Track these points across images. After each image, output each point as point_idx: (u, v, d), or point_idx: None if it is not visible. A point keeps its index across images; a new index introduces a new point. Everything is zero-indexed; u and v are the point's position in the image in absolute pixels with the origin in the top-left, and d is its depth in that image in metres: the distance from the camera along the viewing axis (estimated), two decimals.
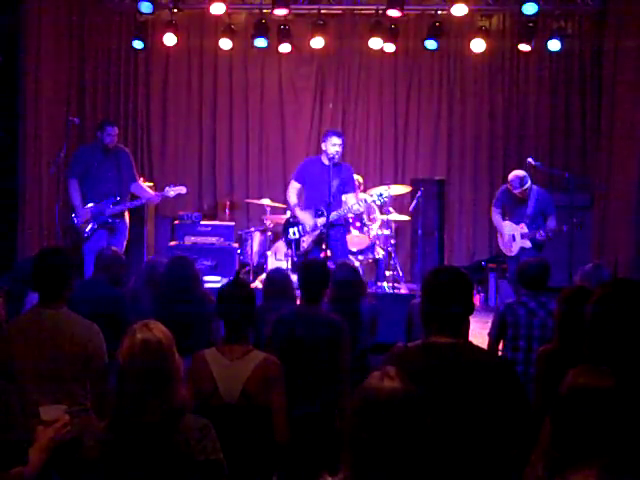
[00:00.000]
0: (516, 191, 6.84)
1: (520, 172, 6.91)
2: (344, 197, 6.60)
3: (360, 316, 4.37)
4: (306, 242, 6.72)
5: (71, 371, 3.17)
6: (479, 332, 5.03)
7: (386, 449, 1.73)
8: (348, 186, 6.66)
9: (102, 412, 3.12)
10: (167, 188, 7.17)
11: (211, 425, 2.43)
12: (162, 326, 2.47)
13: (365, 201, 6.79)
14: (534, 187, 6.91)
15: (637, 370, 2.16)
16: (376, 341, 4.66)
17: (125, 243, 7.07)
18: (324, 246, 6.48)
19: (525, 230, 6.86)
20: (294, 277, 7.07)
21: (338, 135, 6.61)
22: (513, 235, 6.94)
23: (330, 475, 1.83)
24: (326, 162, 6.49)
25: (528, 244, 6.86)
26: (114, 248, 5.37)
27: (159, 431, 2.33)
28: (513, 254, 6.96)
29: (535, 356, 4.18)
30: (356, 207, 6.57)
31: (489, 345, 4.45)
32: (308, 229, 6.65)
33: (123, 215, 7.04)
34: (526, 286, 4.52)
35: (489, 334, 4.51)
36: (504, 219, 7.12)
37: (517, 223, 6.93)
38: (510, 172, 7.13)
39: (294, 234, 6.77)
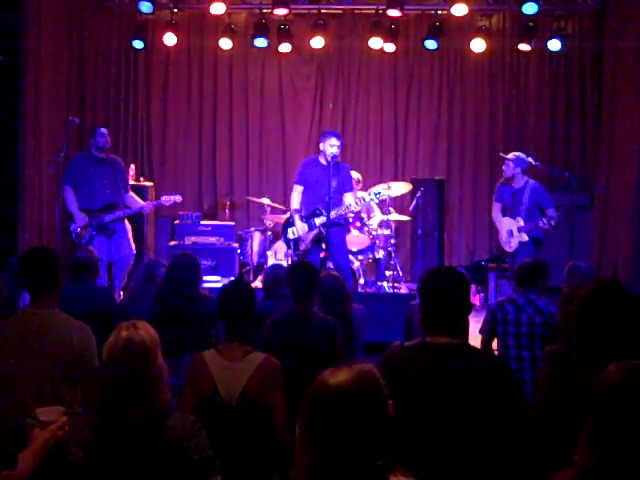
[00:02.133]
0: (504, 168, 6.93)
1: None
2: (344, 197, 6.61)
3: (350, 322, 4.36)
4: (305, 242, 6.72)
5: (62, 372, 3.14)
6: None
7: (328, 445, 1.67)
8: (347, 185, 6.67)
9: (92, 414, 3.10)
10: (164, 197, 7.18)
11: (199, 422, 2.42)
12: (149, 327, 2.46)
13: (363, 199, 6.79)
14: (530, 181, 6.91)
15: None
16: (375, 340, 4.66)
17: (133, 247, 7.05)
18: (323, 246, 6.50)
19: (521, 223, 6.86)
20: None
21: (337, 136, 6.61)
22: (511, 230, 6.94)
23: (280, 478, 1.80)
24: (324, 162, 6.51)
25: (525, 238, 6.86)
26: (90, 248, 5.38)
27: (143, 432, 2.31)
28: (512, 250, 6.97)
29: (525, 353, 4.27)
30: (353, 206, 6.58)
31: (482, 343, 4.49)
32: (299, 234, 6.64)
33: (121, 220, 7.00)
34: (518, 282, 4.55)
35: (480, 331, 4.55)
36: (504, 215, 7.13)
37: (514, 218, 6.95)
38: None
39: (293, 234, 6.77)
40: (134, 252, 7.04)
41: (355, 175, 7.52)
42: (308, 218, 6.67)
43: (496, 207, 7.16)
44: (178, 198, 7.23)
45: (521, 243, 6.89)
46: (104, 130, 6.98)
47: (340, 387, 1.70)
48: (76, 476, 2.30)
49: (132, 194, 7.34)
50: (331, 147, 6.47)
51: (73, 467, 2.31)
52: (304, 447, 1.70)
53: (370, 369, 1.78)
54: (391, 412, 1.73)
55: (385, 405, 1.73)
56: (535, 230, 6.78)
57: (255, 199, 8.89)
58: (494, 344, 4.54)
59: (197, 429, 2.39)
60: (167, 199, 7.15)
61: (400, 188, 8.38)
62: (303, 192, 6.75)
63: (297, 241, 6.75)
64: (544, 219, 6.66)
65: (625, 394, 1.77)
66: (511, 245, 6.98)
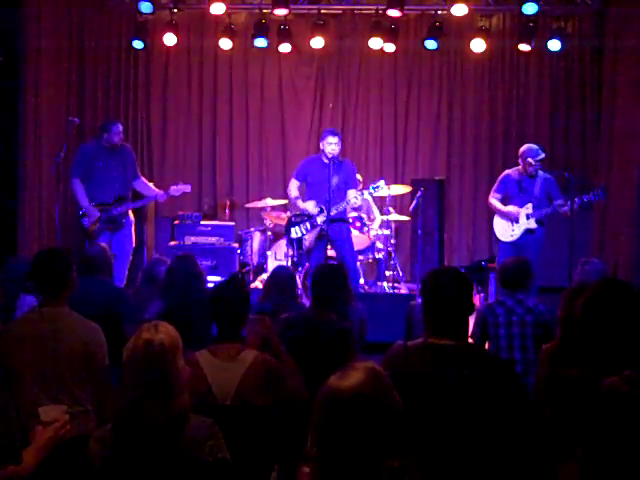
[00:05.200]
0: (531, 159, 6.73)
1: (533, 145, 6.92)
2: (347, 193, 6.66)
3: (348, 320, 4.35)
4: (308, 240, 6.78)
5: (72, 371, 3.16)
6: None
7: (342, 444, 1.69)
8: (350, 182, 6.74)
9: (103, 413, 3.11)
10: (172, 187, 7.16)
11: (216, 424, 2.44)
12: (171, 329, 2.45)
13: (362, 194, 6.80)
14: (540, 172, 6.89)
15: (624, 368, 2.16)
16: (375, 340, 4.66)
17: (134, 240, 7.09)
18: (328, 245, 6.56)
19: (531, 210, 6.80)
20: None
21: (333, 134, 6.67)
22: (517, 215, 6.85)
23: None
24: (325, 161, 6.56)
25: (534, 224, 6.78)
26: (102, 244, 5.38)
27: (161, 434, 2.32)
28: (513, 239, 6.86)
29: (518, 354, 4.30)
30: (354, 200, 6.61)
31: None
32: (314, 212, 6.64)
33: (127, 213, 7.06)
34: (504, 285, 4.55)
35: (471, 336, 4.49)
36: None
37: (522, 206, 6.85)
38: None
39: (296, 233, 6.83)
40: (133, 245, 7.07)
41: (357, 176, 7.55)
42: (310, 216, 6.73)
43: (496, 197, 7.04)
44: (187, 188, 7.23)
45: (528, 231, 6.80)
46: (117, 128, 6.97)
47: (351, 389, 1.71)
48: (94, 471, 2.31)
49: (143, 179, 7.32)
50: (329, 145, 6.57)
51: (91, 462, 2.32)
52: (318, 447, 1.71)
53: (375, 368, 1.79)
54: (400, 409, 1.74)
55: (394, 403, 1.73)
56: (544, 217, 6.76)
57: (254, 205, 8.85)
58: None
59: (214, 431, 2.40)
60: (176, 189, 7.13)
61: (399, 188, 8.43)
62: (306, 190, 6.81)
63: (300, 240, 6.81)
64: (565, 207, 6.57)
65: (626, 404, 1.77)
66: (513, 233, 6.86)
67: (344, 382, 1.73)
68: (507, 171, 7.14)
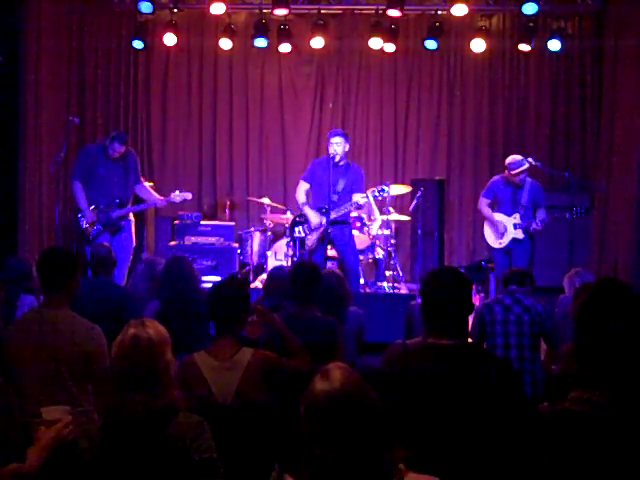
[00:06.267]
0: (514, 171, 6.80)
1: (517, 155, 6.99)
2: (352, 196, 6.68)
3: (346, 325, 4.36)
4: (310, 240, 6.82)
5: (72, 372, 3.16)
6: None
7: (329, 450, 1.69)
8: (356, 187, 6.74)
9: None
10: (173, 194, 7.12)
11: (205, 423, 2.44)
12: (159, 325, 2.48)
13: (367, 196, 6.82)
14: (528, 179, 6.93)
15: (622, 370, 2.17)
16: (375, 340, 4.66)
17: (134, 240, 7.08)
18: (329, 246, 6.57)
19: (519, 220, 6.85)
20: None
21: (334, 134, 6.71)
22: (505, 226, 6.92)
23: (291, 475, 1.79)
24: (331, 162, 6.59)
25: (521, 235, 6.85)
26: (106, 244, 5.40)
27: (147, 430, 2.33)
28: (502, 246, 6.93)
29: (513, 352, 4.36)
30: (362, 200, 6.60)
31: None
32: (312, 226, 6.71)
33: (127, 217, 7.03)
34: (506, 283, 4.69)
35: (469, 334, 4.53)
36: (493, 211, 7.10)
37: (510, 214, 6.92)
38: None
39: (299, 232, 6.87)
40: (134, 245, 7.05)
41: None
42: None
43: (485, 202, 7.10)
44: (188, 195, 7.20)
45: (515, 240, 6.87)
46: (120, 148, 6.83)
47: (340, 389, 1.72)
48: (83, 469, 2.32)
49: (145, 184, 7.28)
50: (330, 145, 6.63)
51: (80, 460, 2.34)
52: (309, 448, 1.71)
53: (349, 367, 1.80)
54: (380, 406, 1.75)
55: (376, 399, 1.74)
56: (529, 228, 6.83)
57: (255, 199, 8.89)
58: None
59: (202, 430, 2.40)
60: (176, 196, 7.10)
61: (399, 188, 8.43)
62: (312, 191, 6.83)
63: (303, 240, 6.84)
64: (538, 221, 6.71)
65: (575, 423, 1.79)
66: (502, 242, 6.94)
67: (330, 383, 1.73)
68: (495, 177, 7.24)
